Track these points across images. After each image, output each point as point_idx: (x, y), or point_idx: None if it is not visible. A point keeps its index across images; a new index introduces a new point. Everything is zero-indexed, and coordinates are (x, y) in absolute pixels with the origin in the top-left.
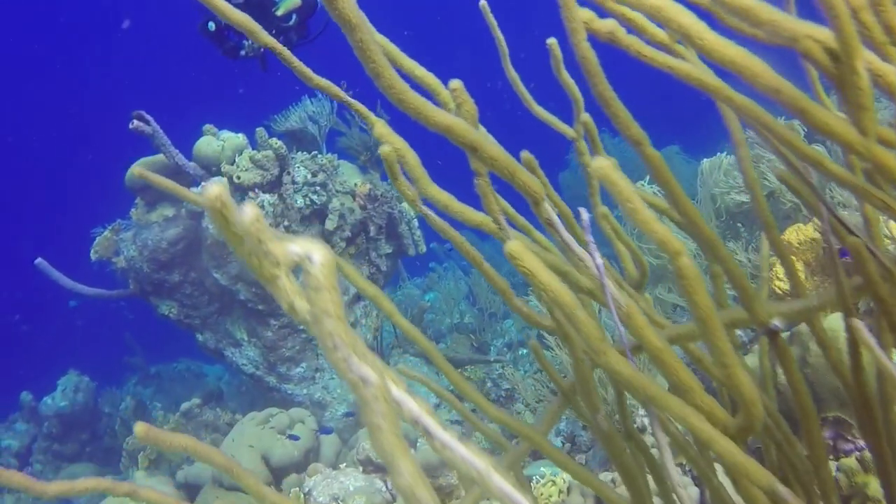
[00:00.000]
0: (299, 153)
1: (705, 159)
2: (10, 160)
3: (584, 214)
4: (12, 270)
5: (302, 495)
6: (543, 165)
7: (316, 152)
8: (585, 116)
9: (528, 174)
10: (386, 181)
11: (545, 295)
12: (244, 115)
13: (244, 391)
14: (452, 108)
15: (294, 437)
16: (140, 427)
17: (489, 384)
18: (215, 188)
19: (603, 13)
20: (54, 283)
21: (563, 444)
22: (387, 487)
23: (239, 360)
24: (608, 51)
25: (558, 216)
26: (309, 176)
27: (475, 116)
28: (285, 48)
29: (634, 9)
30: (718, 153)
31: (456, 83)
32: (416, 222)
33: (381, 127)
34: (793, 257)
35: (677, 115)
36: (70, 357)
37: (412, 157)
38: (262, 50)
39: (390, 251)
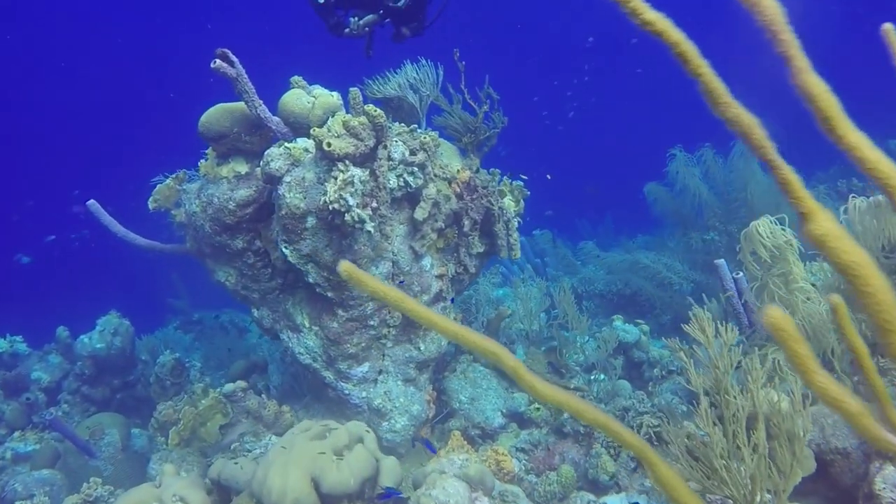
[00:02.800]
0: (396, 125)
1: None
2: (74, 93)
3: None
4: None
5: None
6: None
7: (415, 126)
8: None
9: None
10: (487, 170)
11: None
12: (336, 73)
13: (293, 373)
14: None
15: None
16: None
17: (565, 414)
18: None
19: None
20: (105, 228)
21: None
22: None
23: (295, 347)
24: None
25: None
26: (407, 153)
27: None
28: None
29: None
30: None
31: None
32: (515, 222)
33: None
34: None
35: None
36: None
37: None
38: (367, 30)
39: (482, 250)
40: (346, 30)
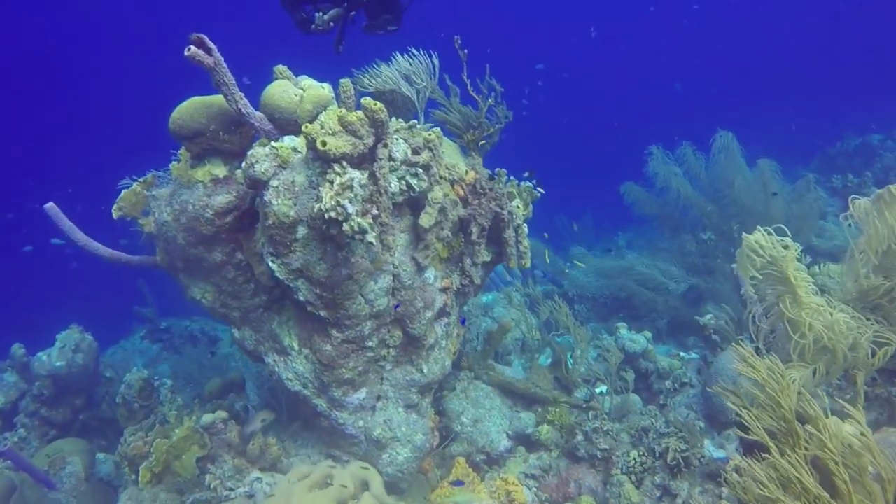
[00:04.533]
0: (394, 121)
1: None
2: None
3: None
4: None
5: None
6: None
7: (414, 122)
8: None
9: None
10: (492, 171)
11: None
12: (322, 65)
13: (270, 389)
14: None
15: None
16: None
17: (579, 437)
18: None
19: None
20: (63, 235)
21: None
22: None
23: (283, 372)
24: None
25: None
26: (409, 153)
27: None
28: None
29: None
30: None
31: None
32: (525, 228)
33: None
34: None
35: None
36: (74, 301)
37: None
38: (332, 25)
39: (488, 259)
40: (313, 26)
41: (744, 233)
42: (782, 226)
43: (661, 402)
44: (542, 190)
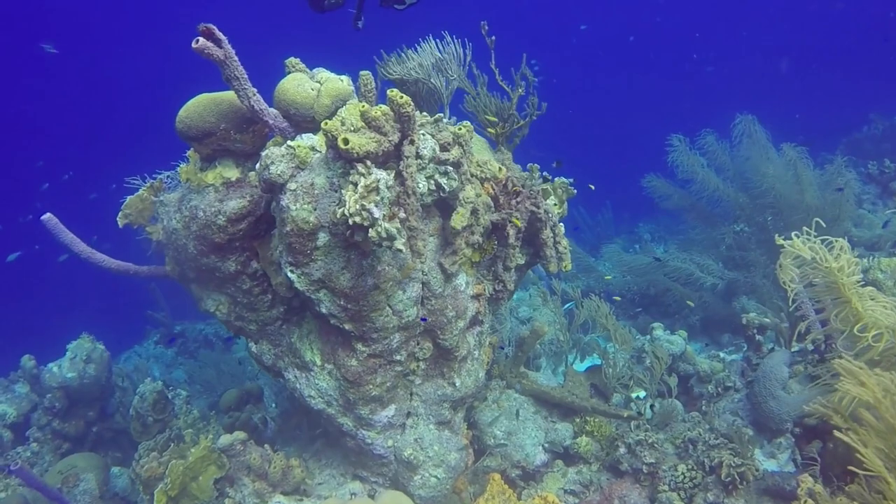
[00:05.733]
0: (418, 114)
1: None
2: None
3: None
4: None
5: None
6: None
7: (440, 115)
8: None
9: None
10: (524, 167)
11: None
12: (336, 56)
13: (289, 396)
14: None
15: None
16: None
17: (622, 449)
18: None
19: None
20: (65, 247)
21: None
22: None
23: (304, 389)
24: None
25: None
26: (437, 149)
27: None
28: None
29: None
30: None
31: None
32: (562, 228)
33: None
34: None
35: None
36: (85, 306)
37: None
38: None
39: (522, 262)
40: (326, 1)
41: (784, 242)
42: (819, 220)
43: (703, 407)
44: (574, 190)
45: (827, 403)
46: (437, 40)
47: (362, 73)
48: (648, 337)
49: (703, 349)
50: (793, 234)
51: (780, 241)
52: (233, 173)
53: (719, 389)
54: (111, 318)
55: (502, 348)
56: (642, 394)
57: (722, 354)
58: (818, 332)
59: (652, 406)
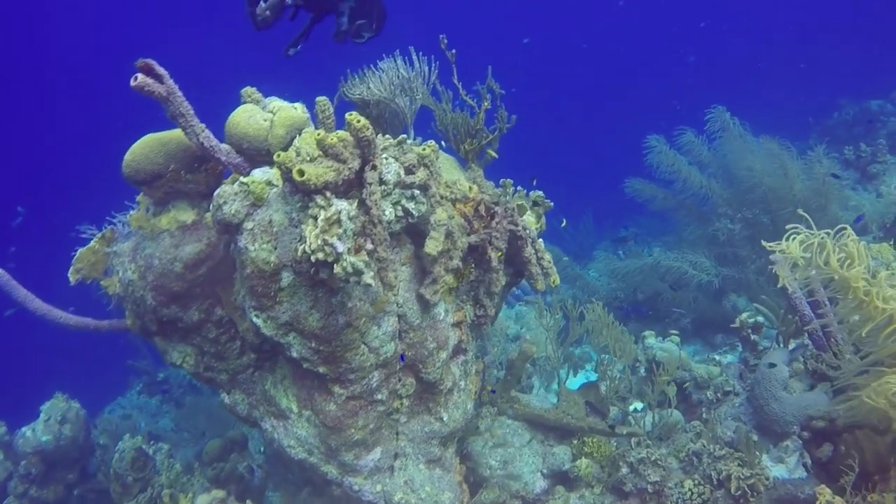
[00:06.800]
0: (380, 137)
1: None
2: None
3: None
4: None
5: None
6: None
7: (404, 136)
8: None
9: None
10: (496, 184)
11: None
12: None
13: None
14: None
15: None
16: None
17: (624, 469)
18: None
19: None
20: (19, 305)
21: None
22: None
23: (283, 439)
24: None
25: None
26: (402, 173)
27: None
28: None
29: None
30: None
31: None
32: (541, 243)
33: None
34: None
35: None
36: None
37: None
38: (268, 14)
39: (503, 282)
40: (259, 18)
41: (774, 248)
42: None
43: (704, 415)
44: (550, 203)
45: (876, 396)
46: (404, 57)
47: (319, 98)
48: (640, 345)
49: (697, 352)
50: (786, 231)
51: (772, 246)
52: (188, 216)
53: (718, 395)
54: (91, 371)
55: (492, 385)
56: (640, 405)
57: (717, 357)
58: (813, 323)
59: (647, 412)
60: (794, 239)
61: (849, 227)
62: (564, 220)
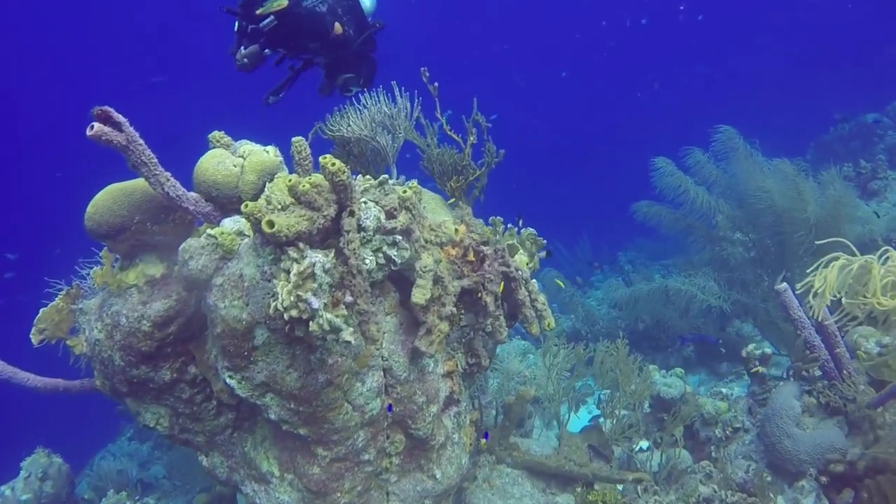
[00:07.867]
0: (359, 178)
1: None
2: None
3: None
4: None
5: None
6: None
7: (385, 177)
8: None
9: None
10: (486, 222)
11: None
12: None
13: None
14: None
15: None
16: None
17: None
18: None
19: None
20: None
21: None
22: None
23: None
24: None
25: None
26: (383, 218)
27: None
28: None
29: None
30: None
31: None
32: (535, 284)
33: None
34: None
35: None
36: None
37: None
38: (246, 62)
39: (506, 329)
40: (237, 64)
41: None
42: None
43: (713, 454)
44: (543, 241)
45: None
46: (386, 92)
47: (294, 139)
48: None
49: (701, 382)
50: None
51: (810, 281)
52: (157, 269)
53: (727, 432)
54: (80, 417)
55: (491, 429)
56: (645, 444)
57: (724, 391)
58: (821, 352)
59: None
60: (831, 266)
61: (892, 250)
62: (597, 264)
